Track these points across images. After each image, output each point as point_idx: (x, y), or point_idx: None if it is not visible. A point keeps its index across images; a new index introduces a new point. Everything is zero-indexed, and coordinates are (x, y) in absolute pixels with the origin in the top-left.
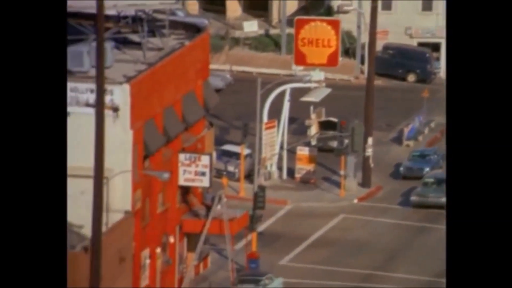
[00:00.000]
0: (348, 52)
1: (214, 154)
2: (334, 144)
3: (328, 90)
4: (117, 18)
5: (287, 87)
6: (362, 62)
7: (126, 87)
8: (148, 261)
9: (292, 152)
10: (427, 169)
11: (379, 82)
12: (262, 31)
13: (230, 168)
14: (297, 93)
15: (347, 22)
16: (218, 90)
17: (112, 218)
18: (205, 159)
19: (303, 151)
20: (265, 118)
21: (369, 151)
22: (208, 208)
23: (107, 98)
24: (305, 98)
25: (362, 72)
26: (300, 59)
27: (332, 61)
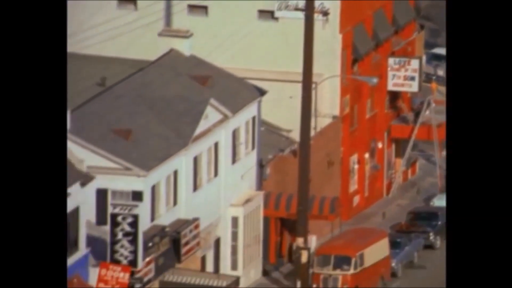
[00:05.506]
0: None
1: (424, 58)
2: None
3: None
4: None
5: None
6: None
7: None
8: (356, 166)
9: None
10: None
11: None
12: None
13: (440, 72)
14: None
15: None
16: None
17: (320, 122)
18: (414, 63)
19: None
20: None
21: None
22: (417, 114)
23: (317, 3)
24: None
25: None
26: None
27: None
